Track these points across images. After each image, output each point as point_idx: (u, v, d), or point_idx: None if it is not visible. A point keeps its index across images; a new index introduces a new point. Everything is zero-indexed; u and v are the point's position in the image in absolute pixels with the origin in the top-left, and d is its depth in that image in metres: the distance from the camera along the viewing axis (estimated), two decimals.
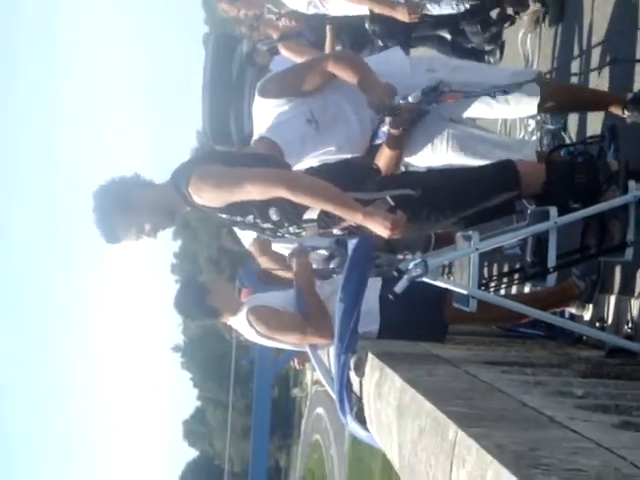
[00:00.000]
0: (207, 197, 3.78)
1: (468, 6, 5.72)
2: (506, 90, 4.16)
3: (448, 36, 6.00)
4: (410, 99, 4.14)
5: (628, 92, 4.45)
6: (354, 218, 3.69)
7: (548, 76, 5.78)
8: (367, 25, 5.79)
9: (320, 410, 43.88)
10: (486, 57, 7.04)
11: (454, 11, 5.82)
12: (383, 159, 4.27)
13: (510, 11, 6.18)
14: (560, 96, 4.42)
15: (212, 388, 58.24)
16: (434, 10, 5.85)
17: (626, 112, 4.34)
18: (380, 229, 3.64)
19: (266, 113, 4.45)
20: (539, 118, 5.46)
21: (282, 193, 3.68)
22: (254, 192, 3.72)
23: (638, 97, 4.32)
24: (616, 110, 4.40)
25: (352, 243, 4.04)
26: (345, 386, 4.21)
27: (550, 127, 5.33)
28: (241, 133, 9.99)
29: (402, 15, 5.21)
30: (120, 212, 3.86)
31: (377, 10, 5.37)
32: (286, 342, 4.93)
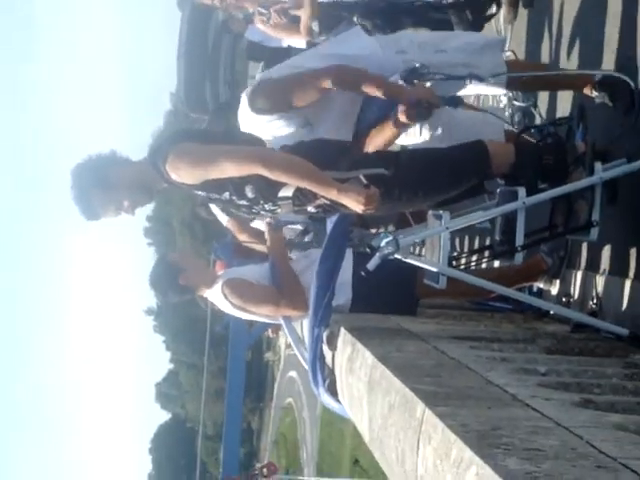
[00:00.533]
0: (184, 174, 3.85)
1: None
2: (481, 78, 4.26)
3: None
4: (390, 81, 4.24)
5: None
6: (329, 194, 3.78)
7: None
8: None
9: (293, 374, 44.12)
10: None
11: None
12: (382, 139, 4.28)
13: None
14: (529, 76, 4.51)
15: (185, 351, 58.32)
16: None
17: (594, 92, 4.44)
18: (354, 204, 3.74)
19: (259, 127, 4.41)
20: (510, 94, 5.55)
21: (258, 170, 3.76)
22: (230, 169, 3.80)
23: (606, 79, 4.42)
24: (585, 90, 4.50)
25: (331, 220, 4.14)
26: (318, 358, 4.33)
27: (521, 104, 5.42)
28: (216, 100, 10.01)
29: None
30: (98, 189, 3.92)
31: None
32: (260, 314, 5.03)
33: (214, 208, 5.36)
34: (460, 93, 4.59)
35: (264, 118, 4.36)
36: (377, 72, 4.24)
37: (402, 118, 4.08)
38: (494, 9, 5.73)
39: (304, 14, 5.96)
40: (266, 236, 4.84)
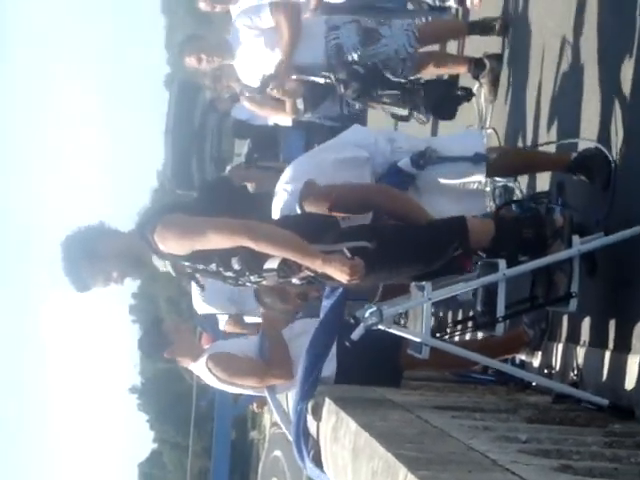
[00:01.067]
0: (171, 245, 3.93)
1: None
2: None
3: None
4: (400, 165, 4.45)
5: (572, 152, 4.68)
6: (313, 264, 3.86)
7: (497, 139, 6.04)
8: (332, 76, 5.93)
9: (278, 453, 43.55)
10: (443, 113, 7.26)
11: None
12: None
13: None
14: (507, 161, 4.64)
15: (169, 430, 57.58)
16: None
17: (569, 172, 4.58)
18: (338, 274, 3.82)
19: None
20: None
21: (243, 242, 3.85)
22: (217, 240, 3.88)
23: (581, 159, 4.55)
24: (562, 170, 4.64)
25: (326, 303, 4.25)
26: (302, 434, 4.38)
27: (501, 180, 5.53)
28: (203, 177, 10.11)
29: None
30: (86, 261, 3.99)
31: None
32: (245, 386, 5.08)
33: (196, 299, 5.42)
34: (448, 180, 4.69)
35: None
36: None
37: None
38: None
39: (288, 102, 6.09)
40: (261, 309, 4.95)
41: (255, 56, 5.96)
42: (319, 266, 3.85)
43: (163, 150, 12.32)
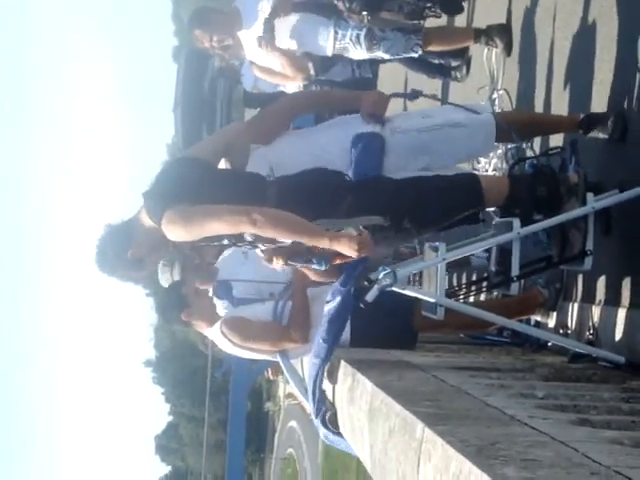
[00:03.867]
0: (179, 236, 3.96)
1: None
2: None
3: (419, 50, 6.18)
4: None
5: (581, 113, 4.65)
6: (321, 244, 3.86)
7: (509, 100, 5.98)
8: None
9: (293, 423, 43.86)
10: (453, 73, 7.23)
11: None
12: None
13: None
14: (517, 125, 4.56)
15: (184, 403, 58.00)
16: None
17: (581, 131, 4.54)
18: (348, 250, 3.82)
19: None
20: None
21: (248, 229, 3.86)
22: (222, 229, 3.90)
23: (587, 117, 4.52)
24: (573, 130, 4.59)
25: (339, 289, 4.24)
26: (319, 397, 4.40)
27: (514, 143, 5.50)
28: None
29: None
30: (126, 257, 4.05)
31: None
32: (259, 351, 5.07)
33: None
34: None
35: None
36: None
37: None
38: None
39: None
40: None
41: (261, 17, 5.92)
42: (327, 244, 3.84)
43: (173, 123, 12.32)
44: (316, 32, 5.88)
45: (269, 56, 5.89)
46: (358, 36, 5.95)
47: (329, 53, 6.00)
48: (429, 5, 5.72)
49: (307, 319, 4.89)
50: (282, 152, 4.51)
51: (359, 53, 6.05)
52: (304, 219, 3.86)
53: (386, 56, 6.14)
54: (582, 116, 4.56)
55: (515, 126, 4.52)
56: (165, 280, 5.44)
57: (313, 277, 4.56)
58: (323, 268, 4.03)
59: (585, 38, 5.03)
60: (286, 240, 3.93)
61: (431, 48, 6.30)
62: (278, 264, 4.11)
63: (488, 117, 4.46)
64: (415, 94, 4.67)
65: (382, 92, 4.59)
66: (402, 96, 5.28)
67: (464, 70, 7.11)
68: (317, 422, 4.44)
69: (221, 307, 5.37)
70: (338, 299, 4.28)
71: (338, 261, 4.07)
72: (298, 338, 4.86)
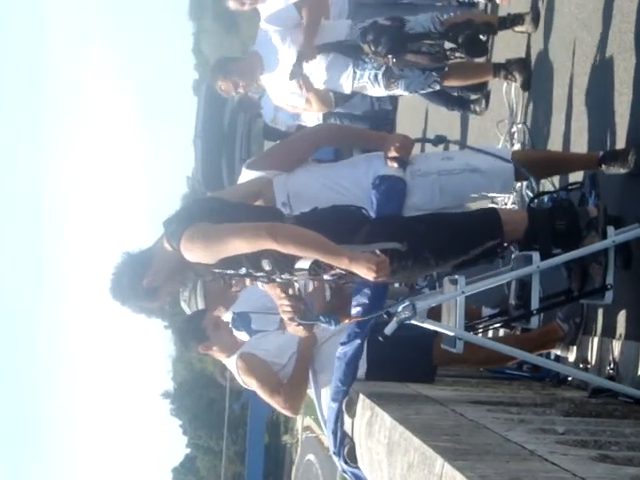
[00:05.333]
0: (198, 256, 3.92)
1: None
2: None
3: (437, 86, 6.21)
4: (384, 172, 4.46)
5: (600, 150, 4.65)
6: (340, 263, 3.84)
7: (527, 134, 5.99)
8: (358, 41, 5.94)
9: (311, 456, 43.61)
10: (472, 106, 7.25)
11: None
12: None
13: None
14: (536, 165, 4.58)
15: (202, 435, 57.80)
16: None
17: (601, 168, 4.54)
18: (365, 272, 3.80)
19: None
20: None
21: (269, 245, 3.83)
22: (242, 246, 3.86)
23: (608, 154, 4.53)
24: (592, 167, 4.59)
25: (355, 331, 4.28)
26: (338, 430, 4.43)
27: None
28: (233, 179, 10.17)
29: None
30: (142, 286, 4.04)
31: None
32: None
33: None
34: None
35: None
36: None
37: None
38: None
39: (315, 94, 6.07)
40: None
41: (283, 61, 5.97)
42: (345, 265, 3.82)
43: (193, 155, 12.41)
44: (337, 71, 5.93)
45: (304, 93, 5.93)
46: (376, 75, 5.99)
47: (348, 91, 6.05)
48: (454, 47, 5.75)
49: (303, 394, 4.99)
50: (301, 182, 4.55)
51: (377, 91, 6.08)
52: (324, 238, 3.86)
53: (405, 93, 6.16)
54: (601, 153, 4.56)
55: (534, 167, 4.55)
56: (189, 306, 5.43)
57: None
58: (332, 327, 4.08)
59: (604, 72, 5.03)
60: (306, 259, 3.89)
61: (450, 83, 6.32)
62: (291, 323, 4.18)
63: (507, 165, 4.50)
64: (439, 139, 4.74)
65: (407, 136, 4.63)
66: (427, 141, 5.32)
67: (483, 104, 7.12)
68: (337, 459, 4.45)
69: (244, 336, 5.39)
70: (357, 342, 4.30)
71: (347, 321, 4.12)
72: (287, 408, 4.97)
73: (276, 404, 5.02)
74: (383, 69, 5.94)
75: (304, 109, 6.32)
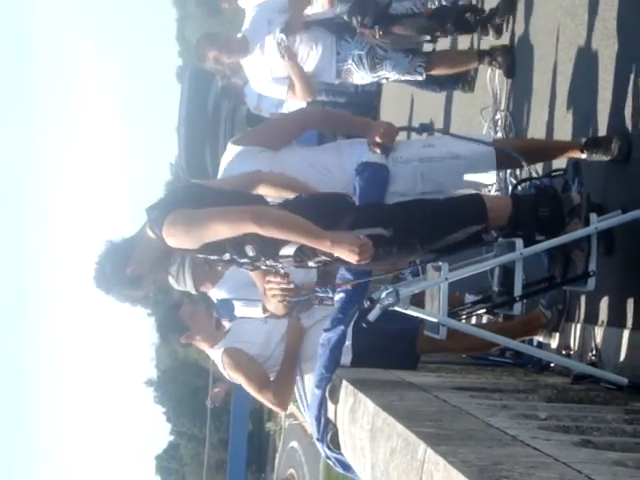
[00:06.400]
0: (180, 241, 3.89)
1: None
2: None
3: (422, 73, 6.22)
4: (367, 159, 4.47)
5: (583, 137, 4.66)
6: (322, 246, 3.84)
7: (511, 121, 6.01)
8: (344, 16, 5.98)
9: (294, 444, 43.69)
10: (459, 84, 7.23)
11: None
12: None
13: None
14: (519, 153, 4.58)
15: (185, 422, 57.83)
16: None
17: (584, 155, 4.54)
18: (348, 254, 3.80)
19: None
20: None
21: (251, 228, 3.81)
22: (224, 230, 3.84)
23: (590, 141, 4.54)
24: (575, 155, 4.60)
25: (338, 317, 4.28)
26: (321, 416, 4.43)
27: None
28: (216, 166, 10.16)
29: None
30: (125, 275, 4.01)
31: None
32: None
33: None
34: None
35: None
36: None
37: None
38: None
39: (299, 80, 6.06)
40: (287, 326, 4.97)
41: (269, 45, 5.96)
42: (328, 247, 3.82)
43: (176, 142, 12.37)
44: (322, 52, 5.95)
45: (286, 64, 5.92)
46: (360, 57, 5.99)
47: (332, 75, 6.05)
48: (441, 22, 5.77)
49: (291, 389, 5.00)
50: (287, 160, 4.56)
51: (362, 75, 6.08)
52: (307, 221, 3.85)
53: (391, 75, 6.15)
54: (584, 140, 4.57)
55: (517, 153, 4.55)
56: (177, 281, 5.39)
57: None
58: (331, 296, 4.09)
59: (588, 60, 5.04)
60: (290, 245, 3.88)
61: (436, 72, 6.33)
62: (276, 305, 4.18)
63: (488, 149, 4.50)
64: (424, 128, 4.74)
65: (391, 124, 4.63)
66: (411, 129, 5.32)
67: (470, 84, 7.12)
68: (321, 446, 4.45)
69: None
70: (340, 328, 4.31)
71: (344, 285, 4.13)
72: (275, 404, 4.98)
73: (265, 400, 5.01)
74: (367, 49, 5.95)
75: (288, 97, 6.31)
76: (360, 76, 6.13)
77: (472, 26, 6.09)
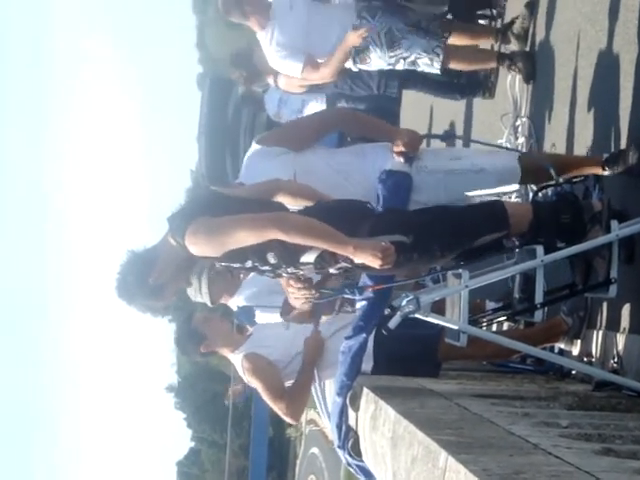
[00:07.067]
0: (203, 249, 3.90)
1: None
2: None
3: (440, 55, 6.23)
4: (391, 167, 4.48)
5: (603, 146, 4.65)
6: (345, 251, 3.84)
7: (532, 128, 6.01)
8: None
9: (315, 450, 43.65)
10: (479, 90, 7.21)
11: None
12: None
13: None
14: (541, 169, 4.57)
15: (206, 428, 57.90)
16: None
17: (605, 171, 4.53)
18: (371, 259, 3.80)
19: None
20: None
21: (274, 234, 3.82)
22: (247, 237, 3.84)
23: (611, 157, 4.53)
24: (596, 171, 4.58)
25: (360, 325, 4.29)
26: (342, 424, 4.44)
27: None
28: (237, 173, 10.15)
29: None
30: (149, 285, 4.02)
31: None
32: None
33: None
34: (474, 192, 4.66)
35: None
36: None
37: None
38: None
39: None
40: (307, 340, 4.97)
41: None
42: (351, 252, 3.83)
43: (196, 149, 12.40)
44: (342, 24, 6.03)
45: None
46: (379, 34, 6.03)
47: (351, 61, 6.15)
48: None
49: (305, 402, 5.01)
50: (309, 161, 4.57)
51: (380, 55, 6.08)
52: (329, 226, 3.85)
53: (408, 54, 6.13)
54: (605, 156, 4.56)
55: (539, 171, 4.56)
56: (194, 293, 5.40)
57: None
58: (357, 298, 4.09)
59: (608, 65, 5.03)
60: (311, 252, 3.88)
61: (452, 65, 6.31)
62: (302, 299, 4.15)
63: (513, 165, 4.52)
64: (448, 135, 4.73)
65: (416, 132, 4.62)
66: (436, 137, 5.31)
67: (488, 93, 7.10)
68: (342, 453, 4.46)
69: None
70: (362, 336, 4.31)
71: (370, 290, 4.12)
72: (288, 415, 4.97)
73: (278, 410, 5.01)
74: (386, 29, 6.00)
75: (301, 78, 6.28)
76: (377, 55, 6.13)
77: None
